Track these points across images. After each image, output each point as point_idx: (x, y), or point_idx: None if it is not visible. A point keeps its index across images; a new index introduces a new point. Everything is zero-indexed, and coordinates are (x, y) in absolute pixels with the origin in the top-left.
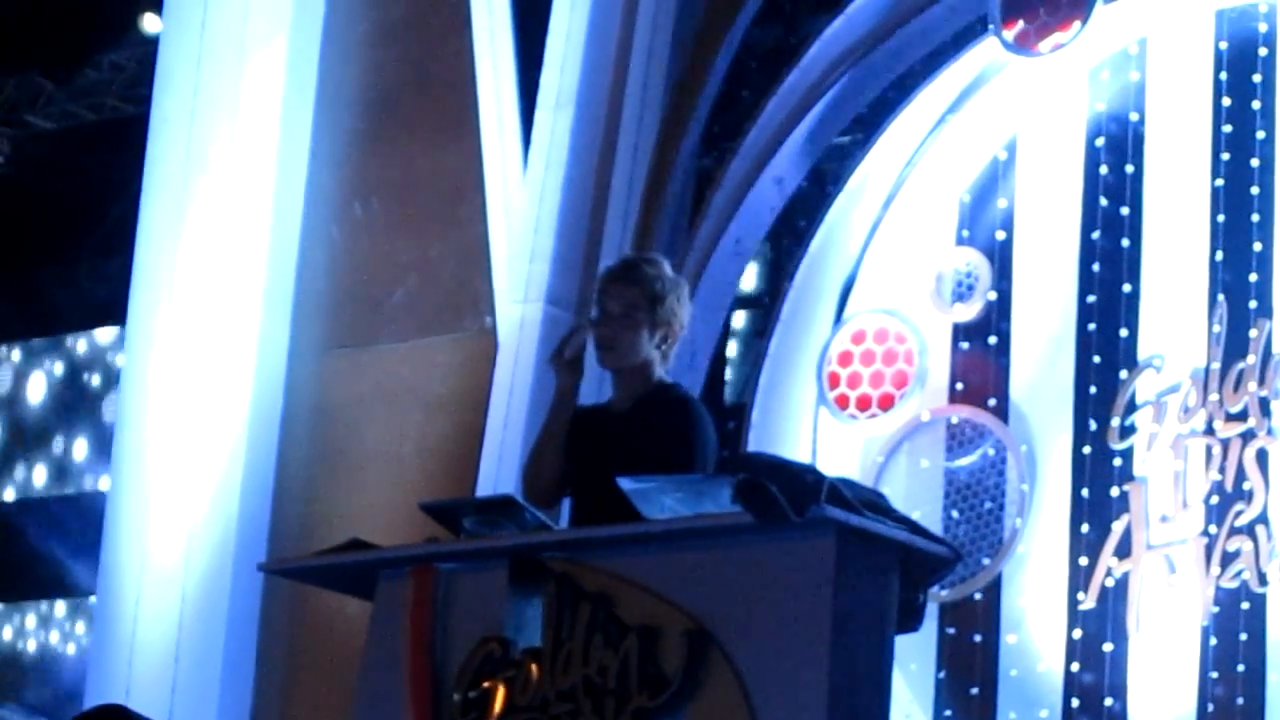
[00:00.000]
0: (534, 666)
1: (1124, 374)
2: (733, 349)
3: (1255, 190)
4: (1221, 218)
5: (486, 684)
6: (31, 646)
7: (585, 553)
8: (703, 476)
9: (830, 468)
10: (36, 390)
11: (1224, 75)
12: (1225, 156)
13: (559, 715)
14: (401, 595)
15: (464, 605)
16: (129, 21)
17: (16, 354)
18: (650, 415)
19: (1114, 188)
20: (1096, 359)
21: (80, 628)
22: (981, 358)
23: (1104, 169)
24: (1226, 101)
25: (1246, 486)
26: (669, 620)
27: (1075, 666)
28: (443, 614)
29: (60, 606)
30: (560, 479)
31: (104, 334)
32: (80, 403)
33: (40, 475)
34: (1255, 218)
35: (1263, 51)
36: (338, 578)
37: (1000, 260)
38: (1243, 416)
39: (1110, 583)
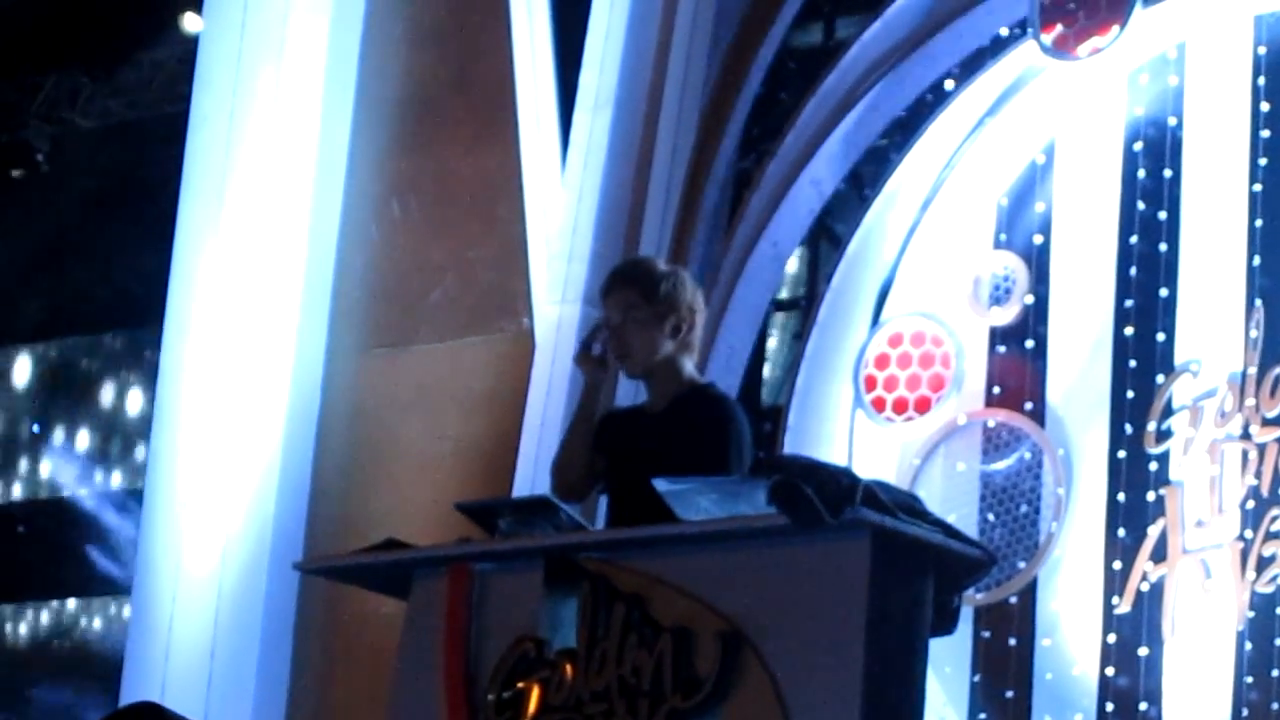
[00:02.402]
0: (568, 667)
1: (1161, 378)
2: (770, 351)
3: None
4: (1259, 223)
5: (521, 684)
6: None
7: (620, 553)
8: (738, 478)
9: (866, 470)
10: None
11: (1262, 80)
12: (1263, 161)
13: (593, 716)
14: (437, 595)
15: (499, 605)
16: (169, 20)
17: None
18: (686, 415)
19: (1152, 192)
20: (1133, 363)
21: None
22: (1018, 361)
23: (1142, 173)
24: (1265, 107)
25: None
26: (703, 622)
27: (1110, 671)
28: (477, 614)
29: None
30: (588, 473)
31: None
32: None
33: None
34: None
35: None
36: (373, 577)
37: (1038, 264)
38: (1279, 421)
39: (1145, 587)
